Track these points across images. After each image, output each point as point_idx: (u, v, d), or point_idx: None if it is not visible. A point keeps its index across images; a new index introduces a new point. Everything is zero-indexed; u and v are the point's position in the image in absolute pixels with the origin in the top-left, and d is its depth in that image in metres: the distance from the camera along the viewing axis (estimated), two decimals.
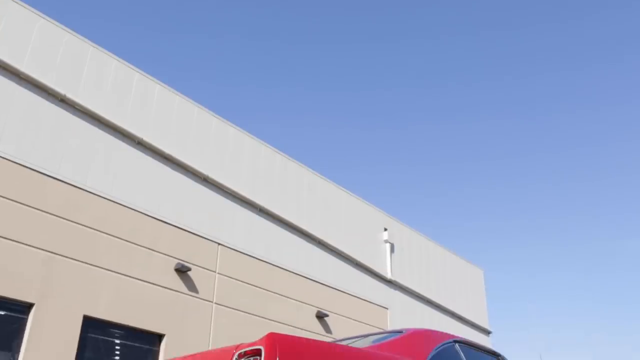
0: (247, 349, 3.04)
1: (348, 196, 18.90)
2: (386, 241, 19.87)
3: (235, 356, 3.05)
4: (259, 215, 15.33)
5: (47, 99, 11.45)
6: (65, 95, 11.63)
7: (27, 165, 10.76)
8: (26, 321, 10.11)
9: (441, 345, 4.66)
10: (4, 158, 10.50)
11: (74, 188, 11.34)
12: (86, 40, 12.51)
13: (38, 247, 10.48)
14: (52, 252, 10.65)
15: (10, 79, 11.03)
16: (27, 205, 10.55)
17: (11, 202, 10.39)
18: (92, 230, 11.38)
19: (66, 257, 10.84)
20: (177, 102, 14.01)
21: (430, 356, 4.37)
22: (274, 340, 3.03)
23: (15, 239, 10.23)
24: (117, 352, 11.53)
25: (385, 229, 20.00)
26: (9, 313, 10.10)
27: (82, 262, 11.06)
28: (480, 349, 5.56)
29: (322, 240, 16.95)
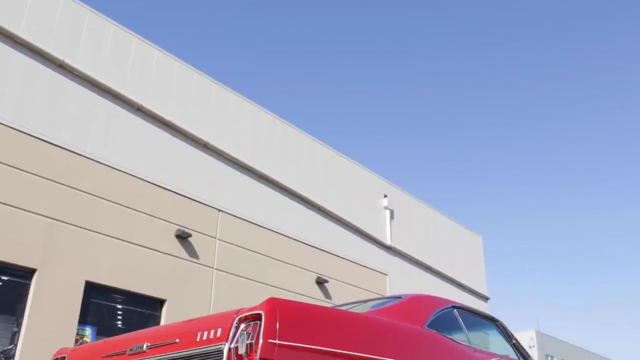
0: (248, 313, 3.07)
1: (348, 162, 18.89)
2: (386, 208, 19.93)
3: (236, 321, 3.08)
4: (259, 181, 15.34)
5: (45, 65, 11.36)
6: (63, 61, 11.53)
7: (26, 131, 10.72)
8: (29, 286, 10.21)
9: (440, 311, 4.72)
10: (2, 124, 10.47)
11: (74, 154, 11.32)
12: (84, 5, 12.35)
13: (39, 213, 10.52)
14: (53, 219, 10.69)
15: (7, 44, 10.93)
16: (27, 172, 10.56)
17: (11, 168, 10.39)
18: (92, 197, 11.41)
19: (67, 223, 10.89)
20: (177, 68, 13.91)
21: (428, 321, 4.42)
22: (274, 305, 3.06)
23: (16, 205, 10.26)
24: (119, 317, 11.67)
25: (385, 196, 20.04)
26: (12, 278, 10.19)
27: (83, 228, 11.12)
28: (478, 314, 5.63)
29: (322, 206, 17.00)
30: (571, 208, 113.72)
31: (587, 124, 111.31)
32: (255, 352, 2.89)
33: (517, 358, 5.56)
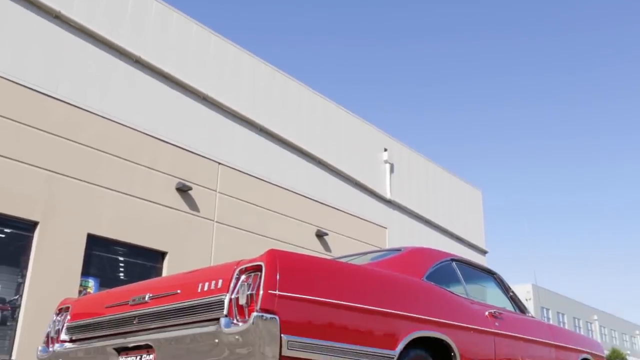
0: (248, 265, 3.09)
1: (348, 116, 18.80)
2: (386, 161, 19.92)
3: (236, 272, 3.11)
4: (259, 134, 15.30)
5: (41, 16, 11.18)
6: (59, 12, 11.35)
7: (23, 84, 10.64)
8: (32, 239, 10.30)
9: (438, 263, 4.76)
10: (0, 77, 10.38)
11: (73, 107, 11.26)
12: None
13: (39, 166, 10.53)
14: (53, 172, 10.70)
15: None
16: (26, 125, 10.52)
17: (10, 121, 10.34)
18: (92, 150, 11.40)
19: (68, 176, 10.91)
20: (175, 20, 13.70)
21: (427, 273, 4.47)
22: (275, 257, 3.09)
23: (16, 158, 10.26)
24: (122, 269, 11.81)
25: (385, 149, 20.01)
26: (15, 231, 10.27)
27: (84, 181, 11.14)
28: (476, 267, 5.70)
29: (322, 160, 16.99)
30: (571, 163, 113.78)
31: (587, 80, 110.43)
32: (256, 302, 2.92)
33: (513, 310, 5.65)
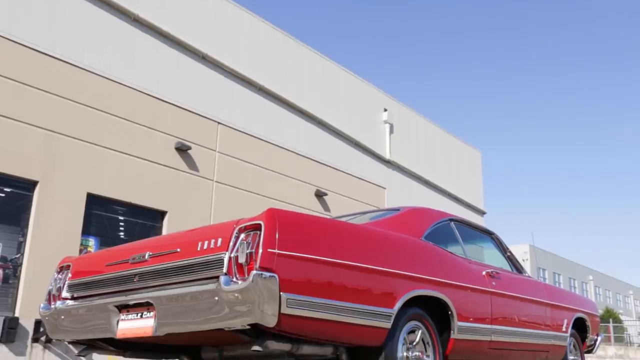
0: (248, 223, 3.10)
1: (348, 75, 18.65)
2: (385, 122, 19.85)
3: (236, 230, 3.12)
4: (259, 94, 15.20)
5: None
6: None
7: (21, 42, 10.51)
8: (32, 198, 10.32)
9: (437, 223, 4.78)
10: None
11: (72, 66, 11.15)
12: None
13: (38, 125, 10.49)
14: (52, 131, 10.66)
15: None
16: (24, 84, 10.43)
17: (8, 80, 10.26)
18: (91, 109, 11.34)
19: (67, 135, 10.87)
20: None
21: (426, 233, 4.49)
22: (274, 215, 3.09)
23: (14, 118, 10.21)
24: (122, 228, 11.87)
25: (385, 110, 19.92)
26: (14, 190, 10.29)
27: (83, 140, 11.11)
28: (475, 227, 5.73)
29: (321, 120, 16.93)
30: (571, 124, 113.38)
31: (588, 41, 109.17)
32: (255, 261, 2.94)
33: (510, 270, 5.69)
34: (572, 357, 6.27)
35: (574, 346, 6.39)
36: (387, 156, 19.65)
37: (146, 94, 12.31)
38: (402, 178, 20.38)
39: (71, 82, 11.10)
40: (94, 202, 11.19)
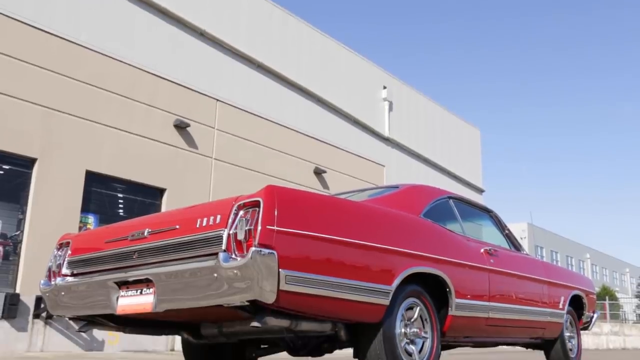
0: (246, 200, 3.10)
1: (348, 53, 18.53)
2: (385, 99, 19.78)
3: (235, 207, 3.11)
4: (258, 71, 15.12)
5: None
6: None
7: (18, 18, 10.42)
8: (30, 175, 10.32)
9: (436, 201, 4.78)
10: None
11: (70, 43, 11.07)
12: None
13: (37, 102, 10.44)
14: (50, 108, 10.62)
15: None
16: (21, 60, 10.36)
17: (5, 57, 10.19)
18: (90, 86, 11.28)
19: (65, 112, 10.83)
20: None
21: (424, 210, 4.50)
22: (273, 192, 3.09)
23: (12, 95, 10.16)
24: (121, 206, 11.88)
25: (385, 87, 19.83)
26: (13, 167, 10.28)
27: (82, 117, 11.07)
28: (473, 205, 5.73)
29: (320, 97, 16.87)
30: (571, 104, 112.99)
31: (589, 21, 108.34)
32: (254, 238, 2.94)
33: (508, 247, 5.71)
34: (568, 334, 6.32)
35: (570, 323, 6.44)
36: (386, 134, 19.62)
37: (145, 71, 12.24)
38: (401, 156, 20.37)
39: (69, 58, 11.03)
40: (93, 180, 11.19)
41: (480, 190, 25.29)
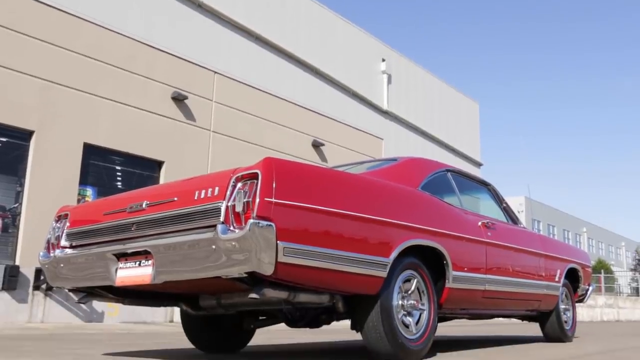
0: (245, 172, 3.08)
1: (346, 25, 18.37)
2: (383, 72, 19.68)
3: (233, 179, 3.10)
4: (256, 43, 15.00)
5: None
6: None
7: None
8: (28, 148, 10.29)
9: (434, 174, 4.78)
10: None
11: (67, 14, 10.96)
12: None
13: (34, 75, 10.37)
14: (48, 80, 10.55)
15: None
16: (18, 32, 10.26)
17: (2, 28, 10.08)
18: (87, 58, 11.20)
19: (62, 85, 10.77)
20: None
21: (423, 183, 4.49)
22: (271, 164, 3.08)
23: (9, 67, 10.08)
24: (119, 178, 11.88)
25: (383, 60, 19.71)
26: (10, 140, 10.24)
27: (79, 90, 11.01)
28: (471, 178, 5.73)
29: (319, 69, 16.77)
30: (570, 78, 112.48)
31: None
32: (252, 210, 2.94)
33: (506, 221, 5.73)
34: (563, 306, 6.38)
35: (565, 296, 6.49)
36: (385, 107, 19.56)
37: (142, 42, 12.15)
38: (399, 129, 20.33)
39: (67, 31, 10.93)
40: (91, 152, 11.17)
41: (478, 164, 25.30)
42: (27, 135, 10.32)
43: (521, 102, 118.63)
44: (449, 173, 5.10)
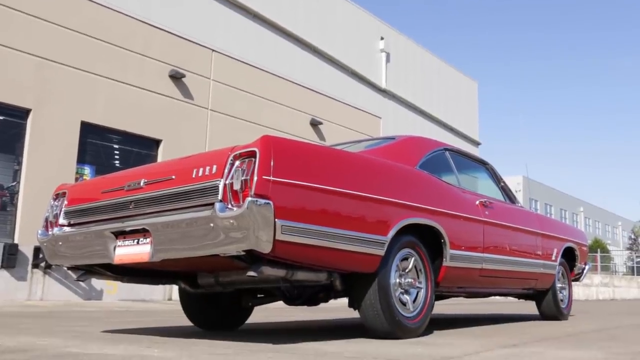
0: (242, 150, 3.07)
1: (345, 3, 18.23)
2: (382, 50, 19.57)
3: (231, 158, 3.10)
4: (254, 21, 14.89)
5: None
6: None
7: None
8: (25, 126, 10.26)
9: (432, 152, 4.77)
10: None
11: None
12: None
13: (29, 52, 10.29)
14: (44, 58, 10.48)
15: None
16: (13, 8, 10.17)
17: None
18: (84, 36, 11.11)
19: (59, 63, 10.70)
20: None
21: (421, 162, 4.49)
22: (269, 142, 3.07)
23: (5, 44, 10.01)
24: (117, 157, 11.86)
25: (382, 38, 19.60)
26: (7, 118, 10.20)
27: (76, 68, 10.94)
28: (469, 157, 5.73)
29: (317, 47, 16.68)
30: (570, 57, 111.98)
31: None
32: (250, 188, 2.93)
33: (504, 200, 5.73)
34: (559, 285, 6.42)
35: (562, 274, 6.53)
36: (383, 85, 19.49)
37: (139, 20, 12.05)
38: (397, 108, 20.28)
39: (63, 7, 10.84)
40: (89, 131, 11.14)
41: (476, 143, 25.29)
42: (24, 113, 10.28)
43: (520, 82, 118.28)
44: (447, 152, 5.09)
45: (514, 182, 48.54)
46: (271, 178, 2.98)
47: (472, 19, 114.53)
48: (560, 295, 6.40)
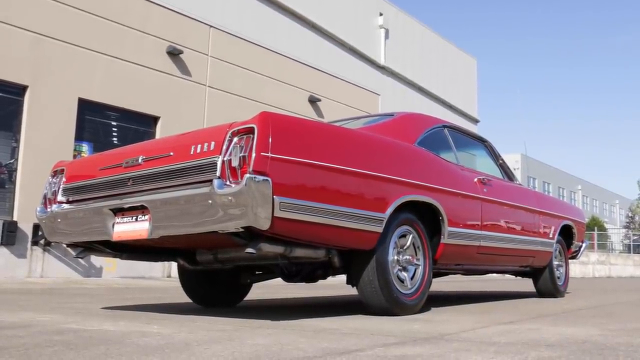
0: (241, 127, 3.06)
1: None
2: (381, 27, 19.43)
3: (229, 134, 3.09)
4: None
5: None
6: None
7: None
8: (22, 103, 10.20)
9: (430, 129, 4.76)
10: None
11: None
12: None
13: (25, 28, 10.20)
14: (40, 34, 10.39)
15: None
16: None
17: None
18: (80, 11, 11.01)
19: (56, 39, 10.61)
20: None
21: (419, 139, 4.48)
22: (267, 119, 3.05)
23: (0, 20, 9.91)
24: (115, 134, 11.82)
25: (381, 14, 19.45)
26: (4, 95, 10.15)
27: (72, 44, 10.86)
28: (468, 135, 5.71)
29: (315, 23, 16.55)
30: (569, 35, 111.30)
31: None
32: (248, 164, 2.92)
33: (502, 177, 5.74)
34: (557, 263, 6.45)
35: (559, 252, 6.56)
36: (382, 62, 19.38)
37: None
38: (396, 84, 20.19)
39: None
40: (86, 108, 11.09)
41: (475, 120, 25.23)
42: (20, 90, 10.22)
43: (519, 59, 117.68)
44: (445, 129, 5.08)
45: (512, 160, 48.51)
46: (269, 155, 2.97)
47: None
48: (557, 273, 6.43)
